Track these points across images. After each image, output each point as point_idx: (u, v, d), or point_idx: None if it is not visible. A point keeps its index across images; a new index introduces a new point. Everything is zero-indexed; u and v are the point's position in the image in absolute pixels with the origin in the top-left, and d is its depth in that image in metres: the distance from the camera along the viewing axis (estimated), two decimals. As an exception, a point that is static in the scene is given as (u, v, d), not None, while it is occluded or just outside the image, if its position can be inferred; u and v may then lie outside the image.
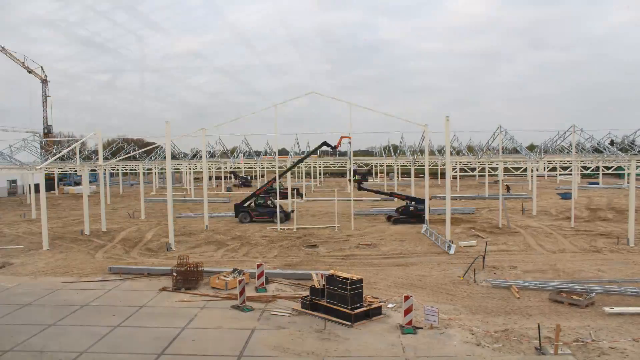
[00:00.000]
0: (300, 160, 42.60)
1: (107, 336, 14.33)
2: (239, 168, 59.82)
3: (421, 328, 14.36)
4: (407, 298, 14.43)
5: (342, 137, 33.63)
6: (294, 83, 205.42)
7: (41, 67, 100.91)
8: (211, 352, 13.18)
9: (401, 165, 66.23)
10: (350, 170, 36.71)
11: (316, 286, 16.15)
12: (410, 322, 14.30)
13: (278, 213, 34.08)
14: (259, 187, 41.52)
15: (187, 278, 19.23)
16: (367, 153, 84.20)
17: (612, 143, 45.32)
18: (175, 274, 19.31)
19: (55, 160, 36.62)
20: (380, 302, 16.27)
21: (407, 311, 14.35)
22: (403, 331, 14.15)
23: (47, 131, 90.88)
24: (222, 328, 14.89)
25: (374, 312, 15.49)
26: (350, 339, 13.83)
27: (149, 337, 14.18)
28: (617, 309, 15.58)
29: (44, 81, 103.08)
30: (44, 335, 14.48)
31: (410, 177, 57.35)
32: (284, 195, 44.31)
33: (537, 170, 35.58)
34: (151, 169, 55.72)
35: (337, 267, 20.76)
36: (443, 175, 58.39)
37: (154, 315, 16.28)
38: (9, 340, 14.10)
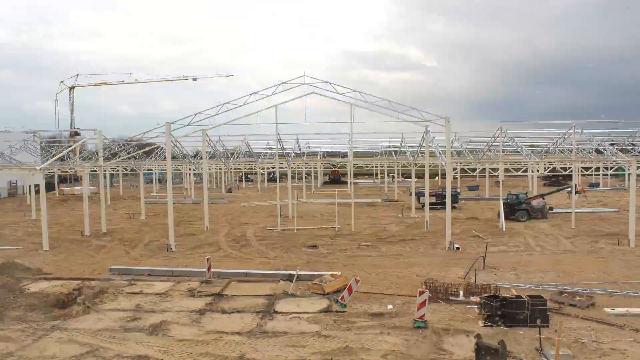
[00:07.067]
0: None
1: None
2: (239, 168, 60.69)
3: (426, 327, 14.37)
4: (421, 293, 14.63)
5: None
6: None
7: (76, 75, 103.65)
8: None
9: (402, 166, 66.20)
10: (350, 171, 36.59)
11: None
12: (422, 317, 14.44)
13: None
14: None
15: None
16: (367, 154, 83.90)
17: (612, 144, 45.20)
18: None
19: (55, 160, 36.47)
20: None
21: (421, 305, 14.51)
22: (415, 324, 14.38)
23: (76, 134, 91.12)
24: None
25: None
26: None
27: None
28: (617, 310, 15.57)
29: (72, 88, 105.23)
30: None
31: (410, 178, 57.16)
32: None
33: (538, 171, 35.53)
34: (151, 170, 55.71)
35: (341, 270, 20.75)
36: (444, 175, 58.27)
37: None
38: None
